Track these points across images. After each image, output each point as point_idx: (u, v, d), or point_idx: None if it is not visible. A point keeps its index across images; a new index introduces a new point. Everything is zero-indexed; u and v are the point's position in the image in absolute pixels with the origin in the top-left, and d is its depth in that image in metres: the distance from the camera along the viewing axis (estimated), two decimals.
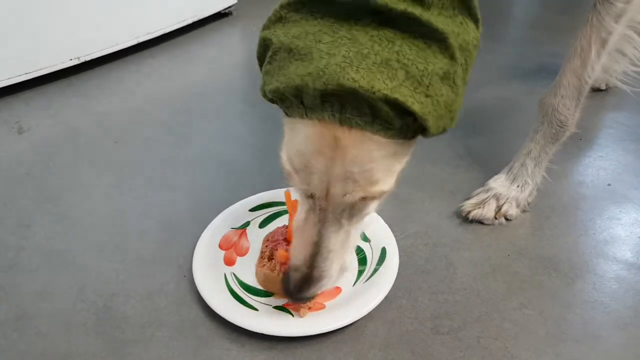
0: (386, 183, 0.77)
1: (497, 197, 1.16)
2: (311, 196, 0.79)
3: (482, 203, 1.16)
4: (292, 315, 0.94)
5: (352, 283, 1.01)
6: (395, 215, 1.19)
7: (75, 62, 1.83)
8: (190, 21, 2.12)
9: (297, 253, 0.84)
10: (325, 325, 0.91)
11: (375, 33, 0.68)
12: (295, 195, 0.88)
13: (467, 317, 0.97)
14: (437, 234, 1.15)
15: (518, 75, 1.61)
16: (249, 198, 1.19)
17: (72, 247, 1.15)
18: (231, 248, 1.08)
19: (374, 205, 0.83)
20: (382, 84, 0.66)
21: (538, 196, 1.21)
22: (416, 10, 0.67)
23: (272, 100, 0.77)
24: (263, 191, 1.21)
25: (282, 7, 0.75)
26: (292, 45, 0.71)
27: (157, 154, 1.45)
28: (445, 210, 1.21)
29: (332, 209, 0.78)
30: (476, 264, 1.08)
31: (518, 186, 1.17)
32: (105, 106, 1.71)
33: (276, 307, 0.96)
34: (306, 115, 0.72)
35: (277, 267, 0.97)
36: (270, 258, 1.00)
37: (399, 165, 0.79)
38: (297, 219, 0.85)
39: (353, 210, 0.80)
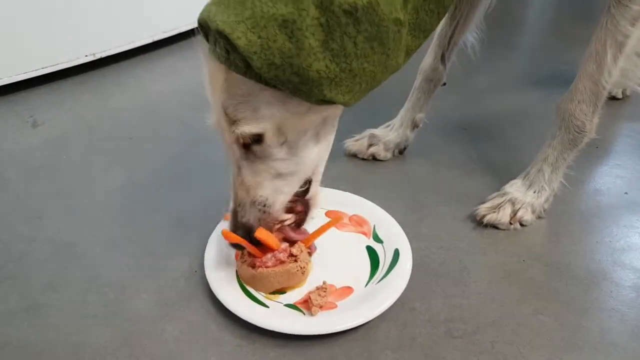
0: (250, 126, 0.81)
1: (512, 202, 1.15)
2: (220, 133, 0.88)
3: (498, 207, 1.15)
4: (304, 314, 0.93)
5: (365, 284, 1.00)
6: (409, 217, 1.18)
7: (90, 58, 1.84)
8: None
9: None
10: (337, 325, 0.90)
11: None
12: None
13: (481, 322, 0.95)
14: (451, 237, 1.14)
15: (533, 81, 1.60)
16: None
17: (83, 240, 1.15)
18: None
19: (272, 155, 0.86)
20: (224, 17, 0.72)
21: (554, 203, 1.19)
22: None
23: None
24: None
25: None
26: None
27: (170, 151, 1.44)
28: (459, 214, 1.20)
29: (230, 147, 0.87)
30: (491, 269, 1.06)
31: (534, 192, 1.16)
32: (120, 102, 1.71)
33: (287, 305, 0.96)
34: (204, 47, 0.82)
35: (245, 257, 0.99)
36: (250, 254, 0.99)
37: (266, 112, 0.81)
38: None
39: (251, 155, 0.86)
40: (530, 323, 0.95)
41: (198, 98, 1.66)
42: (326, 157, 0.96)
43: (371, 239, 1.10)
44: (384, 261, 1.04)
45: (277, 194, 0.91)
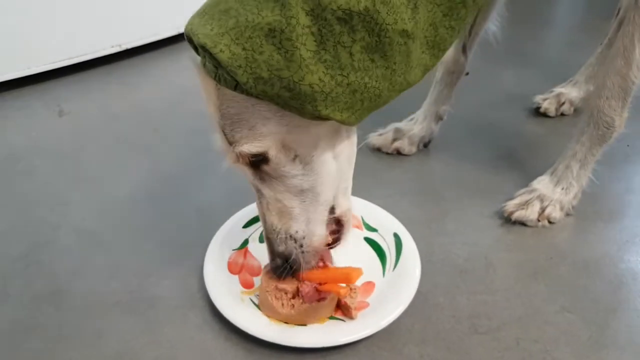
0: (250, 145, 0.74)
1: (541, 199, 1.13)
2: None
3: (526, 204, 1.13)
4: (344, 321, 0.91)
5: (382, 274, 0.99)
6: (433, 212, 1.17)
7: (116, 49, 1.85)
8: None
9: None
10: (382, 322, 0.89)
11: None
12: None
13: (507, 318, 0.94)
14: (476, 233, 1.12)
15: (562, 77, 1.57)
16: (236, 215, 1.12)
17: (107, 228, 1.16)
18: (242, 270, 1.01)
19: (287, 173, 0.79)
20: (207, 30, 0.66)
21: (582, 201, 1.17)
22: None
23: None
24: None
25: None
26: None
27: (194, 142, 1.45)
28: (485, 210, 1.18)
29: (245, 173, 0.81)
30: (517, 266, 1.05)
31: (562, 188, 1.14)
32: (145, 94, 1.72)
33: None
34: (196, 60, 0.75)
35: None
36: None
37: (264, 129, 0.74)
38: None
39: (265, 175, 0.80)
40: (557, 321, 0.94)
41: None
42: (350, 170, 0.87)
43: (364, 229, 1.09)
44: (388, 247, 1.04)
45: (311, 227, 0.84)
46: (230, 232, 1.08)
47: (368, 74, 0.69)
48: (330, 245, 0.88)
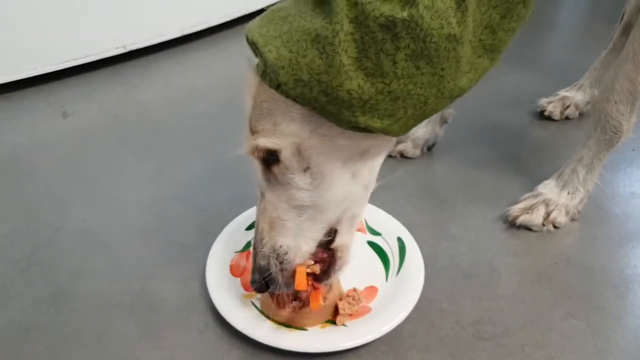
0: (267, 139, 0.75)
1: (546, 203, 1.12)
2: None
3: (531, 208, 1.12)
4: (346, 326, 0.90)
5: (385, 279, 0.99)
6: (437, 217, 1.16)
7: (120, 50, 1.85)
8: (235, 16, 2.12)
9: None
10: (383, 327, 0.88)
11: None
12: None
13: (511, 324, 0.93)
14: (481, 238, 1.11)
15: (565, 80, 1.56)
16: (240, 217, 1.11)
17: (109, 229, 1.16)
18: (245, 273, 1.00)
19: (293, 181, 0.77)
20: (262, 31, 0.70)
21: (588, 206, 1.16)
22: None
23: None
24: None
25: None
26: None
27: (198, 144, 1.44)
28: (490, 215, 1.17)
29: (256, 169, 0.81)
30: (522, 271, 1.04)
31: (568, 193, 1.13)
32: (149, 95, 1.72)
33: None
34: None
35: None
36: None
37: (286, 129, 0.74)
38: None
39: (272, 179, 0.79)
40: (562, 327, 0.93)
41: (226, 93, 1.68)
42: (363, 201, 0.85)
43: (368, 233, 1.08)
44: (392, 252, 1.03)
45: (298, 242, 0.81)
46: (233, 234, 1.07)
47: (412, 81, 0.68)
48: (318, 278, 0.85)
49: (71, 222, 1.18)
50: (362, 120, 0.69)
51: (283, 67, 0.68)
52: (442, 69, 0.69)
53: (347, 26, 0.65)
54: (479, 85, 1.38)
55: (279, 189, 0.79)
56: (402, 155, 1.36)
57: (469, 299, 0.98)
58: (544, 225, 1.12)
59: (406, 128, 0.73)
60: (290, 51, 0.67)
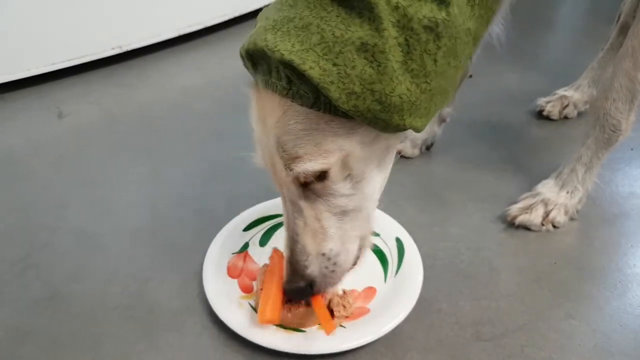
0: (314, 162, 0.72)
1: (545, 203, 1.12)
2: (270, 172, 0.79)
3: (530, 208, 1.12)
4: (344, 327, 0.89)
5: (384, 279, 0.98)
6: (436, 216, 1.16)
7: (116, 51, 1.85)
8: (231, 16, 2.12)
9: (284, 238, 0.83)
10: (383, 328, 0.87)
11: (313, 0, 0.67)
12: None
13: (511, 325, 0.93)
14: (480, 238, 1.11)
15: (564, 80, 1.56)
16: (236, 218, 1.11)
17: (106, 231, 1.15)
18: (242, 274, 1.00)
19: (336, 192, 0.77)
20: (287, 46, 0.65)
21: (586, 205, 1.15)
22: None
23: None
24: None
25: None
26: (259, 16, 0.74)
27: (195, 144, 1.44)
28: (488, 214, 1.16)
29: (285, 189, 0.77)
30: (521, 271, 1.03)
31: (567, 192, 1.12)
32: (145, 96, 1.71)
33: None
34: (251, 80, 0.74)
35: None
36: None
37: (332, 146, 0.72)
38: None
39: (310, 194, 0.77)
40: (562, 328, 0.92)
41: (222, 92, 1.67)
42: (383, 186, 0.86)
43: None
44: (390, 252, 1.03)
45: (347, 244, 0.81)
46: (230, 236, 1.06)
47: (444, 76, 0.70)
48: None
49: (67, 224, 1.17)
50: (409, 122, 0.69)
51: (332, 83, 0.64)
52: (460, 61, 0.72)
53: (391, 31, 0.65)
54: (478, 84, 1.38)
55: (319, 202, 0.78)
56: (401, 155, 1.35)
57: (468, 300, 0.97)
58: (543, 224, 1.11)
59: (428, 123, 0.74)
60: (335, 64, 0.64)
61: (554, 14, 2.43)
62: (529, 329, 0.92)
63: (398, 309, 0.90)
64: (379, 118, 0.68)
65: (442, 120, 1.34)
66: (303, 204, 0.78)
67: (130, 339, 0.91)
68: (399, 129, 0.71)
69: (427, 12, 0.66)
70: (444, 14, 0.66)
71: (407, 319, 0.89)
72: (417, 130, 0.72)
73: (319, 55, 0.64)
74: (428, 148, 1.37)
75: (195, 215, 1.18)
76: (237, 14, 2.13)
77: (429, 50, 0.67)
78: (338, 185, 0.76)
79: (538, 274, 1.02)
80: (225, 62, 1.91)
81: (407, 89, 0.67)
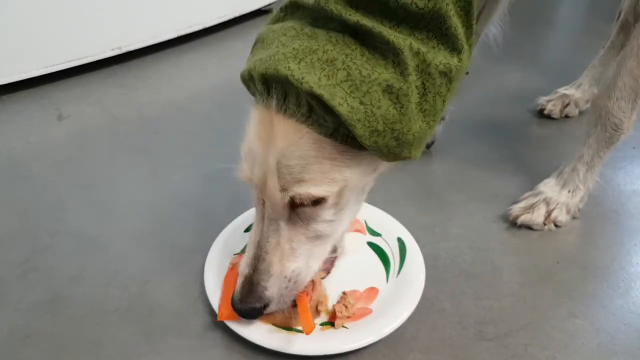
0: (318, 188, 0.74)
1: (547, 202, 1.11)
2: (257, 188, 0.79)
3: (532, 207, 1.11)
4: (347, 328, 0.89)
5: (386, 280, 0.98)
6: (437, 216, 1.15)
7: (116, 52, 1.84)
8: (230, 17, 2.11)
9: (245, 255, 0.84)
10: (384, 329, 0.87)
11: (334, 35, 0.69)
12: None
13: (514, 324, 0.92)
14: (482, 237, 1.10)
15: (564, 78, 1.56)
16: (237, 219, 1.10)
17: (106, 233, 1.14)
18: None
19: (319, 217, 0.79)
20: (314, 79, 0.66)
21: (589, 204, 1.15)
22: (369, 23, 0.67)
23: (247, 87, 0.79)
24: None
25: (281, 9, 0.78)
26: (265, 36, 0.75)
27: (195, 145, 1.43)
28: (490, 214, 1.16)
29: (272, 205, 0.77)
30: (523, 270, 1.03)
31: (569, 191, 1.12)
32: (145, 97, 1.70)
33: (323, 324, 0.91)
34: (256, 99, 0.76)
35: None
36: None
37: (339, 176, 0.75)
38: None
39: (294, 216, 0.79)
40: (565, 327, 0.92)
41: (222, 93, 1.67)
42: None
43: (368, 234, 1.07)
44: (392, 252, 1.03)
45: (309, 265, 0.83)
46: (231, 237, 1.06)
47: (444, 110, 0.76)
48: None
49: (67, 226, 1.16)
50: (414, 154, 0.75)
51: (359, 120, 0.67)
52: (451, 96, 0.76)
53: (413, 75, 0.69)
54: (478, 83, 1.38)
55: (299, 225, 0.80)
56: None
57: (471, 299, 0.97)
58: (545, 224, 1.11)
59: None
60: (362, 102, 0.67)
61: (554, 13, 2.42)
62: (532, 328, 0.92)
63: (400, 310, 0.89)
64: (392, 152, 0.72)
65: (441, 119, 1.34)
66: (283, 224, 0.79)
67: (131, 341, 0.90)
68: (403, 159, 0.75)
69: (442, 58, 0.70)
70: (456, 60, 0.71)
71: (410, 320, 0.89)
72: (417, 158, 0.77)
73: (346, 92, 0.67)
74: (428, 147, 1.36)
75: (196, 216, 1.17)
76: (236, 14, 2.12)
77: (441, 93, 0.72)
78: (325, 211, 0.78)
79: (541, 273, 1.02)
80: (224, 62, 1.90)
81: (420, 127, 0.72)
